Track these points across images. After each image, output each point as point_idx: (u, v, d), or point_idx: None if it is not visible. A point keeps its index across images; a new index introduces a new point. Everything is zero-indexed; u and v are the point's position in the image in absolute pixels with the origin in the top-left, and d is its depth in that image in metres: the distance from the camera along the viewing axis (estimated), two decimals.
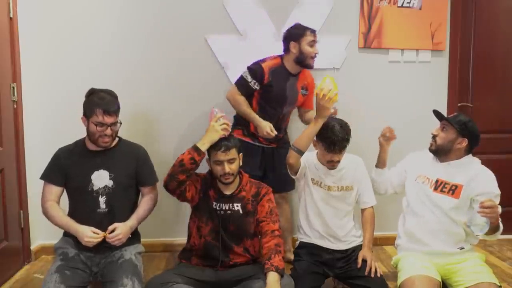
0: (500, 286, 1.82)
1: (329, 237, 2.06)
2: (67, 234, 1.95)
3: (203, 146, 1.85)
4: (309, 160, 2.08)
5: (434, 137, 1.99)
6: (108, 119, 1.85)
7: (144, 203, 2.02)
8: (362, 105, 2.80)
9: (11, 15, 2.42)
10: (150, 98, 2.69)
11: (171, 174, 1.84)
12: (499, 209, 1.76)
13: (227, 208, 1.93)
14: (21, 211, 2.53)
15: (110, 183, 1.90)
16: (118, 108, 1.90)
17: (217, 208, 1.93)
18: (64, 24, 2.61)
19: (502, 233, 2.90)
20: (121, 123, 1.94)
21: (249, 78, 2.30)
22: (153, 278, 1.87)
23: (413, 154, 2.13)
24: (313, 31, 2.33)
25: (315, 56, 2.33)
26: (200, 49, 2.65)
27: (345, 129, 1.95)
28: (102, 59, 2.65)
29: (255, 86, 2.30)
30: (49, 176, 1.92)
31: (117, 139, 2.00)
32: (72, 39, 2.62)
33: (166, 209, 2.73)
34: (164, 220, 2.77)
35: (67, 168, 1.90)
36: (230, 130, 1.92)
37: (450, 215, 1.92)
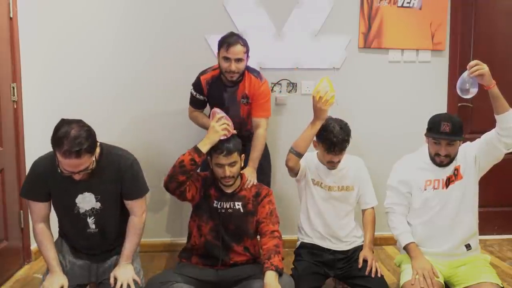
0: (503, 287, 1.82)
1: (330, 237, 2.05)
2: (61, 235, 1.89)
3: (204, 147, 1.83)
4: (310, 160, 2.07)
5: (446, 155, 1.86)
6: (71, 162, 1.54)
7: (129, 233, 1.82)
8: (362, 105, 2.80)
9: (11, 15, 2.41)
10: (149, 97, 2.70)
11: (171, 175, 1.82)
12: (486, 66, 1.74)
13: (228, 206, 1.92)
14: (21, 211, 2.52)
15: (97, 205, 1.75)
16: (88, 149, 1.56)
17: (218, 207, 1.92)
18: (64, 24, 2.61)
19: (502, 233, 2.90)
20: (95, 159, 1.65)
21: (193, 92, 2.34)
22: (153, 277, 1.87)
23: (400, 166, 2.02)
24: (228, 46, 2.12)
25: (231, 72, 2.16)
26: (200, 49, 2.66)
27: (345, 130, 1.94)
28: (102, 59, 2.65)
29: (201, 97, 2.33)
30: (31, 192, 1.73)
31: (98, 150, 1.70)
32: (72, 39, 2.62)
33: (166, 209, 2.74)
34: (164, 220, 2.78)
35: (48, 187, 1.72)
36: (232, 130, 1.90)
37: (462, 199, 1.89)
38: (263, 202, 1.95)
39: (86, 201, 1.74)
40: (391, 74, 2.82)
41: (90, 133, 1.59)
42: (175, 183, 1.82)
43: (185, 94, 2.43)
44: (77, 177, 1.62)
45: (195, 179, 1.94)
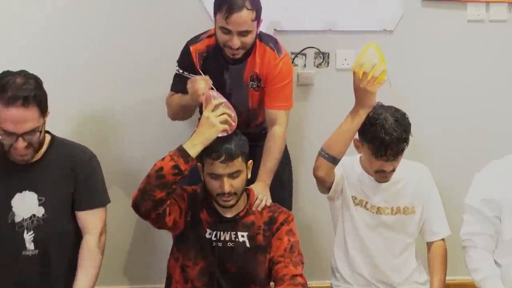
0: None
1: (379, 284, 2.08)
2: None
3: (194, 149, 1.82)
4: (349, 169, 2.09)
5: None
6: (17, 113, 1.71)
7: (82, 261, 1.89)
8: (426, 86, 2.78)
9: None
10: (110, 85, 2.71)
11: (144, 189, 1.81)
12: None
13: (227, 238, 1.93)
14: None
15: (40, 210, 1.84)
16: (38, 100, 1.77)
17: (213, 239, 1.93)
18: None
19: None
20: (43, 127, 1.85)
21: (179, 70, 2.31)
22: None
23: (484, 179, 2.03)
24: (229, 12, 2.07)
25: (232, 49, 2.16)
26: (194, 11, 2.66)
27: (402, 124, 1.94)
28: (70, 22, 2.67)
29: (192, 75, 2.23)
30: None
31: (48, 138, 1.92)
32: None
33: (133, 240, 2.75)
34: (130, 260, 2.78)
35: None
36: (235, 124, 1.92)
37: None
38: (280, 233, 1.95)
39: (26, 204, 1.83)
40: (470, 40, 2.78)
41: (38, 83, 1.80)
42: (149, 201, 1.80)
43: (172, 69, 2.42)
44: (20, 146, 1.75)
45: (179, 196, 1.94)
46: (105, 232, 1.96)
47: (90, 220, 1.90)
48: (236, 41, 2.13)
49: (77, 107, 2.70)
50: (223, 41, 2.17)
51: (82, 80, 2.69)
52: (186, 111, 2.32)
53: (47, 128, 1.90)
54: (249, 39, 2.17)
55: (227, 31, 2.13)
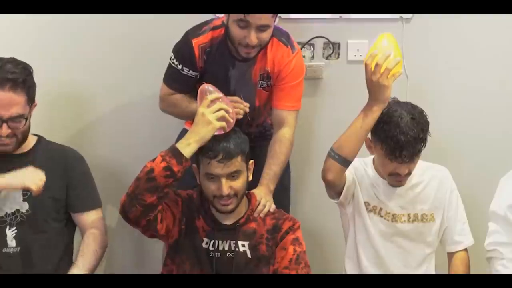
0: None
1: None
2: None
3: (188, 148, 1.80)
4: (361, 171, 2.08)
5: None
6: (4, 96, 1.81)
7: (85, 245, 1.97)
8: (445, 78, 2.69)
9: None
10: (91, 72, 2.65)
11: (133, 193, 1.79)
12: None
13: (226, 248, 1.92)
14: None
15: (24, 206, 1.89)
16: (27, 87, 1.89)
17: (210, 248, 1.92)
18: None
19: None
20: (27, 119, 1.93)
21: (177, 64, 2.25)
22: None
23: (511, 183, 2.04)
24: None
25: (248, 47, 2.11)
26: None
27: (420, 122, 1.92)
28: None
29: (191, 72, 2.24)
30: None
31: (34, 138, 1.99)
32: None
33: (120, 251, 2.77)
34: (115, 268, 2.79)
35: None
36: (233, 121, 1.90)
37: None
38: (284, 242, 1.93)
39: (10, 198, 1.89)
40: (503, 28, 2.63)
41: (28, 70, 1.91)
42: (139, 207, 1.79)
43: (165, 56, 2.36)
44: (4, 133, 1.83)
45: (172, 201, 1.92)
46: (102, 235, 2.03)
47: (91, 220, 2.00)
48: (253, 38, 2.07)
49: (50, 96, 2.59)
50: (239, 38, 2.11)
51: (58, 67, 2.63)
52: (192, 117, 2.23)
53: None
54: (267, 34, 2.12)
55: (245, 25, 2.06)
